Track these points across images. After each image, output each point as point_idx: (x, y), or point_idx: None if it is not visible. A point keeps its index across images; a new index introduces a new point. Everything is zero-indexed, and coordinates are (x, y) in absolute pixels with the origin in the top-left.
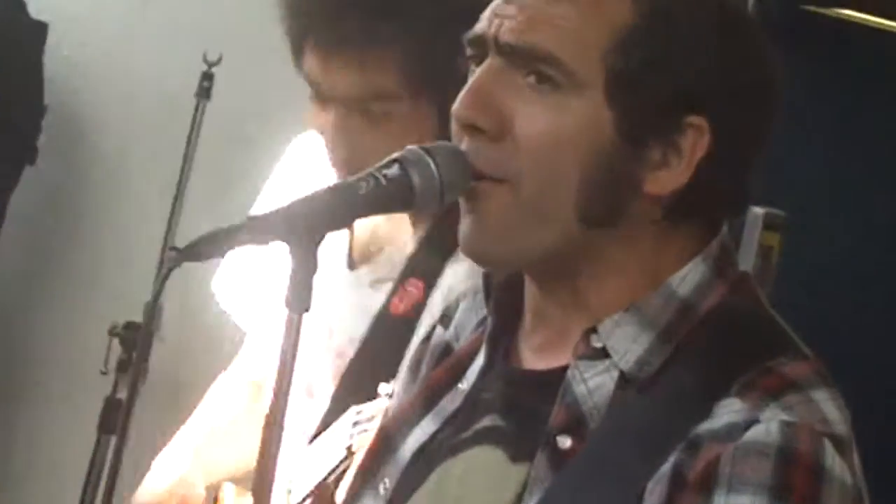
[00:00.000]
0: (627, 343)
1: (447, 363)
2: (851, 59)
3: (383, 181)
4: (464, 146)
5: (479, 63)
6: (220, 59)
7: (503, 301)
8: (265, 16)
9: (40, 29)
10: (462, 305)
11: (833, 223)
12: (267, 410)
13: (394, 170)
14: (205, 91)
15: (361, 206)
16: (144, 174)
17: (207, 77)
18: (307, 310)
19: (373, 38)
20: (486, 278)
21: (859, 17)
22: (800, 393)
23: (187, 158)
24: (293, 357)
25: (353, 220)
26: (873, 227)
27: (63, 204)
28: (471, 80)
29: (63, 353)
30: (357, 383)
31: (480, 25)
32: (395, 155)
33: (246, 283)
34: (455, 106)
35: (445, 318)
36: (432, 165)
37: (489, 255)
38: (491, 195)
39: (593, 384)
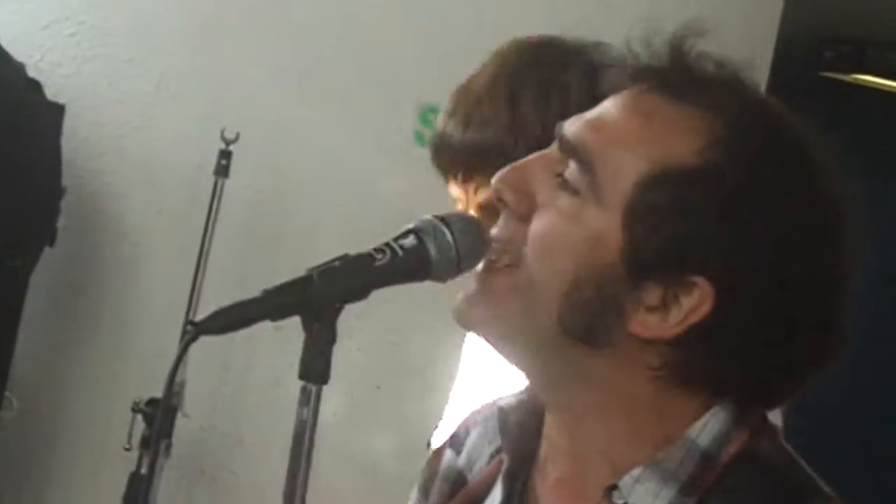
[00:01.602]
0: (649, 499)
1: (462, 496)
2: (871, 124)
3: (400, 252)
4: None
5: None
6: (237, 137)
7: (519, 438)
8: (281, 93)
9: (57, 111)
10: (473, 434)
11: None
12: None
13: (410, 240)
14: (223, 169)
15: (378, 278)
16: (164, 252)
17: (225, 155)
18: (326, 381)
19: None
20: (501, 412)
21: (878, 83)
22: None
23: (207, 236)
24: (313, 428)
25: (369, 291)
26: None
27: (84, 284)
28: (524, 158)
29: (87, 430)
30: None
31: (567, 121)
32: (410, 225)
33: None
34: (494, 177)
35: (455, 444)
36: (448, 235)
37: (479, 327)
38: (493, 280)
39: None
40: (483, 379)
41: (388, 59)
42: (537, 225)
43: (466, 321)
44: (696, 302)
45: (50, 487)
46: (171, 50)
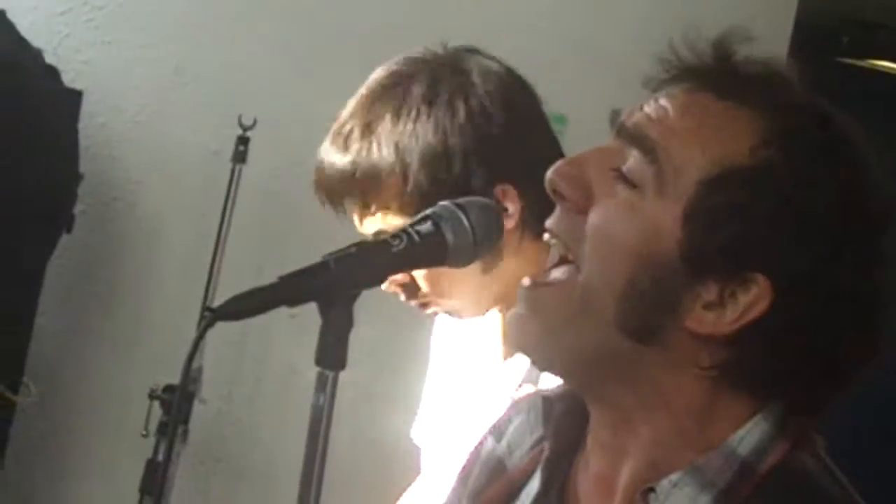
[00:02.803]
0: (686, 503)
1: (501, 483)
2: (885, 109)
3: (416, 238)
4: (555, 211)
5: None
6: (254, 123)
7: (563, 427)
8: (298, 79)
9: (75, 97)
10: (515, 422)
11: None
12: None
13: (427, 226)
14: (240, 155)
15: (395, 264)
16: (182, 239)
17: (243, 141)
18: (342, 367)
19: None
20: (546, 401)
21: (893, 68)
22: None
23: (224, 222)
24: (329, 414)
25: (387, 277)
26: None
27: (101, 270)
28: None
29: (104, 417)
30: None
31: (625, 111)
32: (427, 211)
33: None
34: (551, 168)
35: (496, 431)
36: (465, 221)
37: (533, 346)
38: (546, 296)
39: None
40: (456, 367)
41: (406, 46)
42: (595, 217)
43: (522, 342)
44: (753, 299)
45: (67, 473)
46: (188, 36)
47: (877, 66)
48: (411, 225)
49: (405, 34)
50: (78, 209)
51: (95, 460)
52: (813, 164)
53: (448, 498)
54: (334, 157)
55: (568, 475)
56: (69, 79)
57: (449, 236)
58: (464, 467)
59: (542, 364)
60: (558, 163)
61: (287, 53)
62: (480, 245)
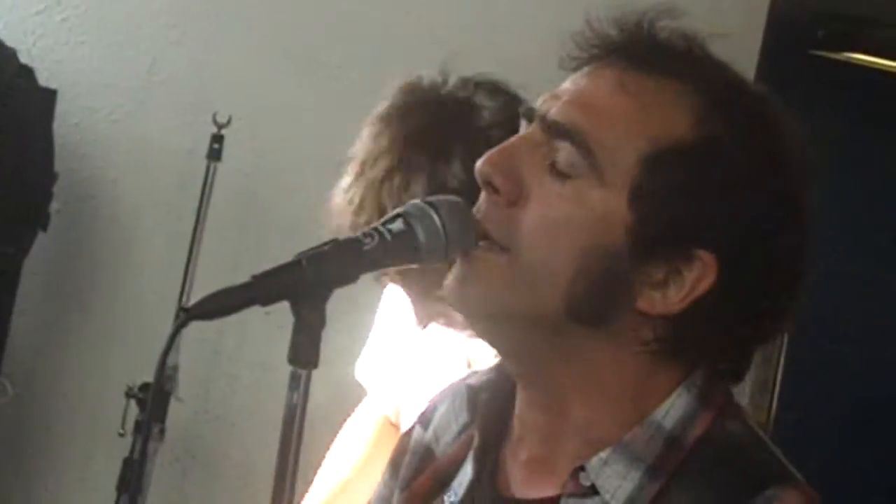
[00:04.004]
0: (617, 480)
1: (431, 471)
2: (860, 102)
3: (388, 236)
4: (481, 201)
5: None
6: (229, 121)
7: (490, 415)
8: (273, 77)
9: (49, 96)
10: (440, 409)
11: (838, 270)
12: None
13: (398, 224)
14: (215, 153)
15: (367, 262)
16: (157, 237)
17: (217, 139)
18: (315, 366)
19: None
20: (470, 389)
21: (868, 61)
22: None
23: (199, 220)
24: (302, 413)
25: (358, 275)
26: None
27: (77, 269)
28: (506, 141)
29: (81, 415)
30: None
31: (539, 101)
32: (398, 210)
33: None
34: (479, 160)
35: (423, 419)
36: (437, 220)
37: (473, 306)
38: (488, 259)
39: None
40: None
41: (381, 40)
42: (536, 211)
43: (460, 302)
44: (698, 275)
45: (44, 472)
46: (162, 34)
47: (852, 59)
48: (383, 223)
49: (382, 33)
50: (53, 208)
51: (72, 459)
52: (751, 137)
53: (379, 488)
54: None
55: (497, 463)
56: (44, 78)
57: (420, 235)
58: (393, 457)
59: (480, 327)
60: (489, 153)
61: (261, 51)
62: (452, 244)
